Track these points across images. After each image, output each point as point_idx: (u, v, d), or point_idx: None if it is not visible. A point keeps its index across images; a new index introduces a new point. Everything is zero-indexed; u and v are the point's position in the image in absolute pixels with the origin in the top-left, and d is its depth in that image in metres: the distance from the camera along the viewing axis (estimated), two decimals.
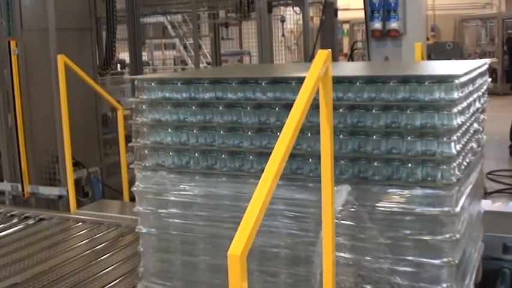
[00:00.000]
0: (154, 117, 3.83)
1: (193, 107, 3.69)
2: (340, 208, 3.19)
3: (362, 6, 7.70)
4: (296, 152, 3.35)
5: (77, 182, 7.43)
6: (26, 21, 7.64)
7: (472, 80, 3.63)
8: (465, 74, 3.32)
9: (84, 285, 4.69)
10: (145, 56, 16.71)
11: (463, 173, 3.29)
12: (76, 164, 7.42)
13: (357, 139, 3.26)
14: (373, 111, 3.21)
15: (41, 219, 6.57)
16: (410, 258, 3.17)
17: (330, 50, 2.96)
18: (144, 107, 3.87)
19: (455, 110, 3.09)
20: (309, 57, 9.03)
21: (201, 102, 3.66)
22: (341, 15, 12.04)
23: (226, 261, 3.52)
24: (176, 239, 3.81)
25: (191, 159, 3.72)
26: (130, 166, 3.98)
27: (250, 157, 3.54)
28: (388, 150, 3.20)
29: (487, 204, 4.91)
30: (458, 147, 3.17)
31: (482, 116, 4.21)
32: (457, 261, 3.16)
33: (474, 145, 3.79)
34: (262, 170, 3.26)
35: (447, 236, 3.10)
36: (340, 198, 3.18)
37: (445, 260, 3.12)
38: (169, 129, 3.78)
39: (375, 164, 3.22)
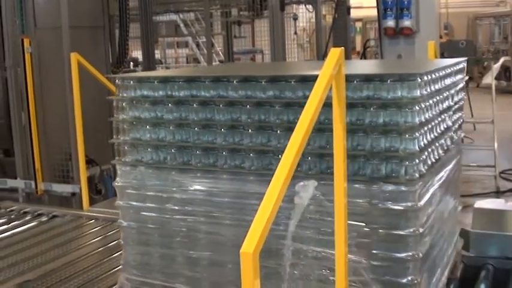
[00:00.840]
0: (134, 115, 3.95)
1: (170, 105, 3.81)
2: (307, 202, 3.26)
3: (375, 4, 7.69)
4: (267, 149, 3.49)
5: (90, 180, 7.47)
6: (39, 19, 7.68)
7: (442, 78, 3.70)
8: (429, 72, 3.39)
9: (96, 283, 4.71)
10: (158, 54, 16.78)
11: (428, 169, 3.37)
12: (89, 162, 7.46)
13: (324, 136, 3.34)
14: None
15: (54, 217, 6.60)
16: (375, 252, 3.25)
17: (342, 48, 2.97)
18: (124, 104, 3.99)
19: (417, 107, 3.17)
20: (321, 55, 9.03)
21: (176, 100, 3.79)
22: (354, 13, 12.01)
23: (201, 254, 3.68)
24: (155, 233, 3.94)
25: (168, 155, 3.84)
26: (111, 162, 4.13)
27: (224, 153, 3.65)
28: (353, 147, 3.27)
29: (500, 204, 4.91)
30: (422, 144, 3.25)
31: (458, 114, 4.29)
32: (421, 254, 3.23)
33: (445, 142, 3.85)
34: (235, 166, 3.52)
35: (411, 230, 3.19)
36: (307, 193, 3.25)
37: (410, 253, 3.20)
38: (147, 126, 3.91)
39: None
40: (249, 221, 3.38)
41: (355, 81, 3.27)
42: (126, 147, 4.00)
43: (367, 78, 3.26)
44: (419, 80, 3.20)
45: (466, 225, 4.91)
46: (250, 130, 3.56)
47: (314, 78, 3.26)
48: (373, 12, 8.23)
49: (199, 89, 3.71)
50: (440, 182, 3.68)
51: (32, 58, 7.57)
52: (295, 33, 15.98)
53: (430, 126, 3.44)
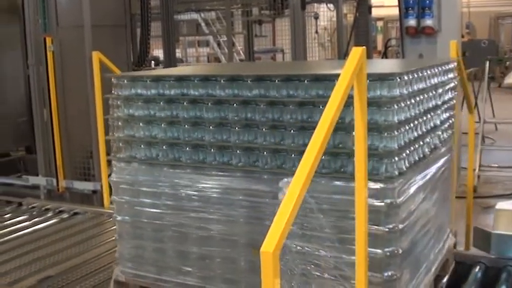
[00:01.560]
0: (128, 112, 4.09)
1: (161, 103, 3.93)
2: None
3: (396, 3, 7.66)
4: (253, 146, 3.60)
5: None
6: (61, 18, 7.74)
7: (427, 78, 3.76)
8: (409, 72, 3.44)
9: None
10: (179, 53, 16.83)
11: (410, 167, 3.44)
12: (110, 160, 7.48)
13: (308, 134, 3.39)
14: (320, 107, 3.35)
15: (75, 214, 6.68)
16: (355, 247, 3.24)
17: (364, 47, 2.99)
18: (119, 102, 4.13)
19: (396, 106, 3.23)
20: (342, 55, 9.00)
21: (168, 98, 3.91)
22: (375, 12, 11.98)
23: (191, 248, 3.82)
24: (148, 227, 4.06)
25: (160, 152, 3.97)
26: (107, 158, 4.32)
27: (212, 150, 3.77)
28: (335, 145, 3.37)
29: None
30: (401, 142, 3.31)
31: (449, 113, 4.34)
32: (401, 250, 3.30)
33: (432, 141, 3.90)
34: (223, 163, 3.65)
35: (390, 226, 3.25)
36: None
37: (389, 249, 3.27)
38: (140, 124, 4.04)
39: (323, 157, 3.32)
40: (236, 217, 3.65)
41: (335, 80, 3.23)
42: (120, 144, 4.14)
43: None
44: (399, 80, 3.26)
45: (487, 226, 4.90)
46: (237, 128, 3.66)
47: (298, 78, 3.49)
48: (395, 11, 8.20)
49: (189, 87, 3.83)
50: (425, 180, 3.71)
51: (54, 56, 7.60)
52: (316, 32, 15.95)
53: (412, 124, 3.49)
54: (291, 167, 3.47)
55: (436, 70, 3.97)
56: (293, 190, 2.56)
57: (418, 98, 3.58)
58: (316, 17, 14.97)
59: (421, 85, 3.65)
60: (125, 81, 4.10)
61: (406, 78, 3.37)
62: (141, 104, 4.03)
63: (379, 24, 25.39)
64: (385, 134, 3.24)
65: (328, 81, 3.39)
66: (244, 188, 3.65)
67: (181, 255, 3.95)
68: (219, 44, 18.46)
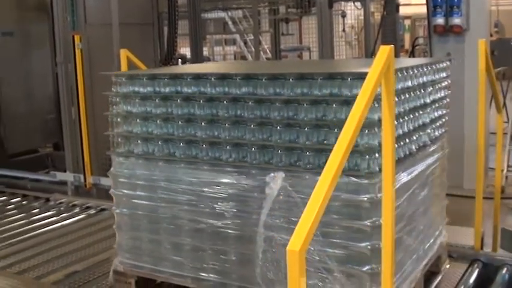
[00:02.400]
0: (126, 109, 4.25)
1: (157, 100, 4.08)
2: (276, 193, 3.50)
3: (424, 2, 7.60)
4: (242, 142, 3.72)
5: None
6: (89, 16, 7.83)
7: (413, 77, 3.83)
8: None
9: None
10: (206, 51, 16.84)
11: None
12: None
13: (294, 131, 3.56)
14: (304, 105, 3.50)
15: (102, 210, 6.75)
16: (338, 241, 3.42)
17: (392, 46, 2.99)
18: (118, 99, 4.30)
19: (376, 104, 3.29)
20: (370, 53, 8.96)
21: (163, 96, 4.05)
22: (402, 10, 11.87)
23: (185, 240, 3.98)
24: (144, 219, 4.21)
25: (156, 147, 4.11)
26: (107, 153, 4.42)
27: (204, 146, 3.89)
28: (319, 142, 3.48)
29: None
30: (381, 139, 3.31)
31: (440, 112, 4.42)
32: (381, 244, 3.31)
33: (420, 139, 3.98)
34: (214, 158, 3.80)
35: (371, 221, 3.34)
36: (276, 184, 3.50)
37: (370, 243, 3.36)
38: (138, 120, 4.20)
39: (307, 153, 3.50)
40: (226, 210, 3.79)
41: (318, 79, 3.47)
42: (119, 139, 4.30)
43: (331, 76, 3.45)
44: None
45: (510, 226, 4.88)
46: (227, 124, 3.79)
47: (283, 76, 3.60)
48: (423, 10, 8.13)
49: (182, 85, 3.97)
50: (412, 177, 3.78)
51: (82, 54, 7.67)
52: (344, 30, 15.91)
53: (395, 122, 3.47)
54: (278, 162, 3.60)
55: (425, 69, 4.02)
56: (320, 188, 2.56)
57: (403, 96, 3.66)
58: (344, 16, 14.93)
59: (406, 83, 3.72)
60: (123, 79, 4.26)
61: None
62: (138, 101, 4.17)
63: (407, 22, 25.18)
64: (366, 131, 3.32)
65: (312, 79, 3.50)
66: (234, 182, 3.76)
67: (175, 246, 4.09)
68: (245, 43, 18.48)
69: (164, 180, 4.06)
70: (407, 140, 3.73)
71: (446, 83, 4.51)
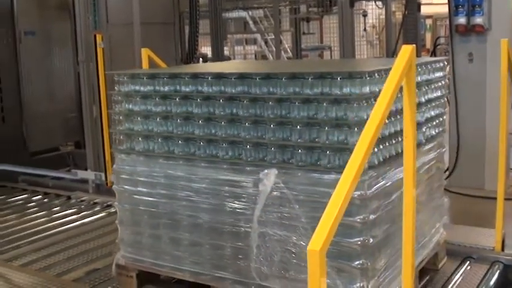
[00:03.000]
0: (128, 107, 4.36)
1: (157, 99, 4.19)
2: (270, 189, 3.62)
3: (446, 1, 7.55)
4: (236, 140, 3.82)
5: None
6: (111, 15, 7.87)
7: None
8: (379, 70, 3.59)
9: None
10: (227, 51, 16.87)
11: (385, 161, 3.60)
12: None
13: (287, 129, 3.65)
14: (296, 104, 3.59)
15: None
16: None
17: (414, 45, 3.00)
18: (120, 98, 4.41)
19: (365, 103, 3.40)
20: (391, 53, 8.93)
21: (162, 95, 4.16)
22: (424, 9, 11.80)
23: (183, 235, 4.10)
24: (145, 214, 4.33)
25: (155, 145, 4.22)
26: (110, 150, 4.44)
27: (201, 143, 4.00)
28: (311, 139, 3.56)
29: None
30: None
31: (436, 111, 4.44)
32: (372, 241, 3.46)
33: None
34: (211, 155, 3.90)
35: (361, 217, 3.42)
36: (269, 180, 3.61)
37: (360, 239, 3.43)
38: (139, 118, 4.31)
39: (299, 151, 3.59)
40: (222, 206, 3.89)
41: (309, 79, 3.55)
42: (121, 137, 4.41)
43: (321, 76, 3.52)
44: (368, 78, 3.43)
45: None
46: (223, 123, 3.89)
47: (276, 76, 3.69)
48: (444, 9, 8.10)
49: (180, 84, 4.08)
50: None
51: (104, 53, 7.70)
52: (365, 30, 15.87)
53: (386, 120, 3.54)
54: (271, 160, 3.69)
55: (419, 69, 4.08)
56: (341, 188, 2.57)
57: (395, 96, 3.66)
58: (365, 15, 14.89)
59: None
60: (125, 78, 4.37)
61: (377, 76, 3.53)
62: (139, 99, 4.29)
63: (428, 22, 25.01)
64: (355, 129, 3.40)
65: (303, 79, 3.58)
66: (230, 179, 3.87)
67: (174, 241, 4.20)
68: (266, 42, 18.49)
69: (163, 176, 4.17)
70: (399, 139, 3.77)
71: (443, 82, 4.54)
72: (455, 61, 7.35)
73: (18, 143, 9.23)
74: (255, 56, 21.01)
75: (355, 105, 3.40)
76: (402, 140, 3.70)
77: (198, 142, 4.01)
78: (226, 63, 7.20)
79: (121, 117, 4.42)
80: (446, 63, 4.59)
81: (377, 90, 3.51)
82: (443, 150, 4.65)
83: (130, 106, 4.35)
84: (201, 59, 12.99)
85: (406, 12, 8.99)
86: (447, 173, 7.79)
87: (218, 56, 10.08)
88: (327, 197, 3.30)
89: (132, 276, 4.43)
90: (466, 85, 7.32)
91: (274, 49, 12.93)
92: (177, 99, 4.08)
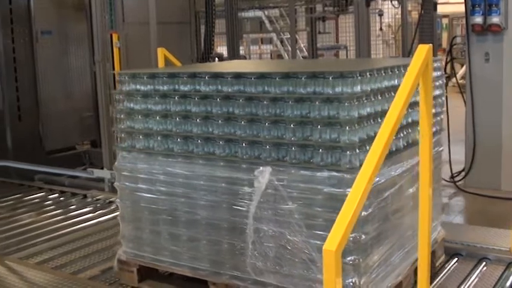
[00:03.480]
0: (129, 106, 4.47)
1: (156, 98, 4.29)
2: (264, 186, 3.70)
3: (462, 0, 7.52)
4: (233, 138, 3.90)
5: None
6: (127, 15, 7.91)
7: (398, 76, 3.97)
8: (372, 70, 3.67)
9: None
10: (242, 50, 16.88)
11: None
12: None
13: (281, 127, 3.72)
14: (290, 103, 3.67)
15: None
16: (320, 232, 3.56)
17: (430, 45, 3.00)
18: (121, 97, 4.52)
19: (356, 102, 3.47)
20: (407, 52, 8.89)
21: (161, 93, 4.26)
22: (440, 9, 11.76)
23: (182, 231, 4.21)
24: (145, 211, 4.43)
25: (155, 142, 4.32)
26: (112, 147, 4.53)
27: (199, 141, 4.09)
28: (304, 138, 3.64)
29: None
30: (364, 135, 3.54)
31: (433, 110, 4.32)
32: (364, 237, 3.52)
33: (409, 136, 4.11)
34: (209, 153, 4.00)
35: None
36: (264, 178, 3.70)
37: (351, 235, 3.42)
38: (139, 116, 4.41)
39: (293, 149, 3.67)
40: (219, 202, 4.00)
41: (302, 78, 3.63)
42: (123, 135, 4.53)
43: (314, 75, 3.59)
44: (359, 77, 3.50)
45: None
46: (220, 121, 3.98)
47: (270, 76, 3.76)
48: (460, 8, 8.05)
49: (179, 83, 4.17)
50: (398, 173, 3.89)
51: (120, 52, 7.73)
52: (381, 29, 15.79)
53: (379, 119, 3.68)
54: (266, 157, 3.77)
55: None
56: (356, 190, 2.57)
57: (387, 95, 3.80)
58: (381, 14, 14.81)
59: (391, 82, 3.87)
60: (126, 77, 4.48)
61: (368, 75, 3.61)
62: (140, 98, 4.39)
63: (445, 21, 24.91)
64: (347, 127, 3.47)
65: (296, 78, 3.65)
66: (226, 176, 3.96)
67: (173, 237, 4.29)
68: (282, 41, 18.47)
69: (163, 173, 4.27)
70: (393, 137, 3.78)
71: (440, 82, 4.61)
72: (471, 61, 7.32)
73: (34, 141, 9.31)
74: (271, 55, 21.00)
75: (346, 104, 3.47)
76: (394, 138, 3.83)
77: (196, 140, 4.10)
78: (233, 62, 7.22)
79: (122, 116, 4.53)
80: (443, 63, 4.62)
81: (369, 89, 3.60)
82: (441, 149, 4.68)
83: (131, 105, 4.45)
84: (216, 58, 13.01)
85: (422, 12, 8.95)
86: (463, 173, 7.76)
87: (234, 55, 10.09)
88: (320, 194, 3.54)
89: (133, 271, 4.55)
90: (482, 85, 7.29)
91: (289, 48, 12.88)
92: (176, 98, 4.18)
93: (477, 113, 7.37)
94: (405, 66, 3.95)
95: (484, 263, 4.72)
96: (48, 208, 7.10)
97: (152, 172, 4.33)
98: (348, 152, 3.48)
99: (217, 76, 4.00)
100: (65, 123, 9.64)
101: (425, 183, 3.12)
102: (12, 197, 7.66)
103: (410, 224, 4.15)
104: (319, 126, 3.57)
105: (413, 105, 4.07)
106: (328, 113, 3.55)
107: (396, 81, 3.93)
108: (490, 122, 7.34)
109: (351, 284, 3.52)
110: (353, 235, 3.47)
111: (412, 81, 2.87)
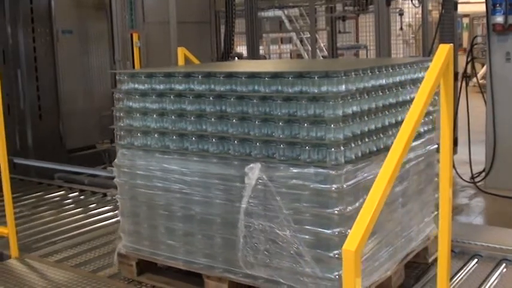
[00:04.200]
0: (127, 104, 4.61)
1: (153, 96, 4.42)
2: (254, 182, 3.81)
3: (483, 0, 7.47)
4: (224, 135, 4.03)
5: None
6: (148, 15, 7.97)
7: (386, 76, 4.06)
8: (356, 70, 3.74)
9: None
10: (262, 50, 16.89)
11: (362, 156, 3.77)
12: None
13: (271, 125, 3.83)
14: (278, 101, 3.78)
15: None
16: (308, 227, 3.70)
17: (451, 44, 3.00)
18: (120, 95, 4.66)
19: (341, 101, 3.57)
20: (427, 52, 8.85)
21: (158, 92, 4.39)
22: (461, 8, 11.68)
23: (177, 226, 4.34)
24: (143, 206, 4.57)
25: (152, 140, 4.45)
26: (112, 144, 4.61)
27: (193, 139, 4.21)
28: (292, 135, 3.74)
29: None
30: (349, 133, 3.64)
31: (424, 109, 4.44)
32: (349, 231, 3.50)
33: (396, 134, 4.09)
34: (202, 150, 4.13)
35: (337, 209, 3.59)
36: (254, 174, 3.81)
37: (337, 230, 3.61)
38: (137, 115, 4.54)
39: (281, 146, 3.78)
40: (212, 198, 4.12)
41: (289, 78, 3.74)
42: (122, 133, 4.66)
43: (301, 75, 3.71)
44: (344, 77, 3.60)
45: None
46: (213, 119, 4.10)
47: (259, 75, 3.88)
48: (481, 8, 8.02)
49: (174, 82, 4.30)
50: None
51: (140, 52, 7.77)
52: (401, 29, 15.75)
53: (364, 118, 3.80)
54: (256, 154, 3.89)
55: (403, 68, 4.25)
56: (375, 191, 2.56)
57: (374, 94, 3.89)
58: (401, 14, 14.77)
59: (378, 81, 3.96)
60: (125, 76, 4.63)
61: (353, 75, 3.69)
62: (138, 97, 4.53)
63: (465, 21, 24.75)
64: (332, 125, 3.57)
65: (283, 78, 3.77)
66: (219, 172, 4.08)
67: (169, 232, 4.43)
68: (301, 41, 18.46)
69: (159, 170, 4.40)
70: (381, 135, 3.97)
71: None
72: (492, 61, 7.28)
73: (55, 140, 9.38)
74: (290, 55, 21.00)
75: (331, 102, 3.57)
76: (383, 136, 3.98)
77: (190, 138, 4.23)
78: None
79: (122, 114, 4.66)
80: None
81: (354, 88, 3.69)
82: (433, 147, 4.71)
83: (130, 103, 4.59)
84: (236, 58, 13.03)
85: (443, 11, 8.91)
86: (483, 174, 7.71)
87: (253, 55, 10.10)
88: (307, 189, 3.66)
89: (132, 265, 4.69)
90: (503, 85, 7.25)
91: (309, 48, 12.88)
92: (172, 97, 4.30)
93: (497, 113, 7.33)
94: (393, 66, 4.13)
95: (504, 264, 4.69)
96: (68, 206, 7.14)
97: (150, 168, 4.46)
98: (333, 149, 3.58)
99: (210, 75, 4.12)
100: (85, 122, 9.71)
101: (446, 185, 3.10)
102: (33, 195, 7.72)
103: (399, 220, 4.23)
104: (306, 124, 3.67)
105: (400, 104, 4.19)
106: (314, 112, 3.65)
107: (384, 80, 4.02)
108: (511, 122, 7.29)
109: (337, 277, 3.63)
110: (338, 229, 3.59)
111: (433, 81, 2.87)
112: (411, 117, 2.80)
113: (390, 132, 4.07)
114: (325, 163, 3.60)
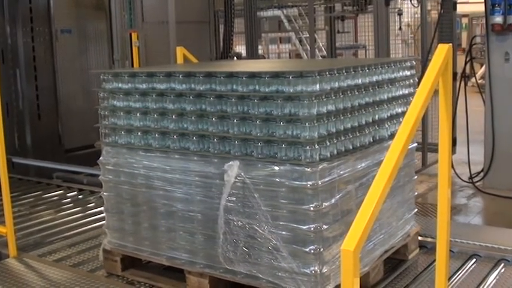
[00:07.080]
0: (112, 103, 4.72)
1: (136, 96, 4.52)
2: (233, 179, 3.91)
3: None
4: (204, 134, 4.12)
5: None
6: (147, 14, 7.96)
7: (362, 75, 4.15)
8: (331, 69, 3.83)
9: None
10: (261, 50, 16.88)
11: (338, 154, 3.85)
12: None
13: (249, 124, 3.92)
14: (255, 101, 3.87)
15: None
16: (284, 223, 3.80)
17: (450, 44, 3.00)
18: (105, 94, 4.78)
19: (316, 100, 3.66)
20: (426, 52, 8.85)
21: (141, 92, 4.49)
22: (460, 8, 11.67)
23: (160, 223, 4.45)
24: (127, 203, 4.68)
25: (136, 138, 4.55)
26: (96, 143, 4.82)
27: (174, 136, 4.31)
28: (269, 134, 3.84)
29: None
30: (323, 132, 3.72)
31: (400, 109, 4.59)
32: (325, 227, 3.73)
33: (375, 133, 4.28)
34: (183, 148, 4.23)
35: (313, 205, 3.69)
36: (233, 172, 3.91)
37: (312, 226, 3.70)
38: (121, 113, 4.64)
39: (259, 144, 3.87)
40: (193, 195, 4.22)
41: (265, 78, 3.84)
42: (107, 131, 4.77)
43: (276, 75, 3.81)
44: (318, 76, 3.69)
45: None
46: (193, 118, 4.19)
47: (237, 75, 3.98)
48: (480, 8, 8.02)
49: (156, 82, 4.40)
50: (363, 167, 4.11)
51: (139, 51, 7.77)
52: (400, 28, 15.71)
53: (340, 117, 3.88)
54: (235, 152, 3.99)
55: (380, 68, 4.33)
56: (374, 191, 2.56)
57: (349, 93, 3.97)
58: (400, 14, 14.74)
59: (354, 81, 4.05)
60: (109, 76, 4.74)
61: (328, 75, 3.78)
62: (122, 96, 4.63)
63: (464, 21, 24.75)
64: (306, 124, 3.66)
65: (260, 77, 3.86)
66: (199, 170, 4.18)
67: (152, 228, 4.53)
68: (300, 41, 18.45)
69: (142, 167, 4.50)
70: (357, 133, 4.05)
71: (411, 81, 4.74)
72: (491, 60, 7.29)
73: (53, 140, 9.38)
74: (289, 54, 20.98)
75: (305, 102, 3.65)
76: (360, 135, 4.07)
77: (172, 136, 4.32)
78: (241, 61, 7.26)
79: (107, 113, 4.77)
80: (414, 62, 4.80)
81: (328, 88, 3.78)
82: (413, 146, 4.81)
83: (115, 102, 4.69)
84: (235, 57, 13.03)
85: (442, 11, 8.92)
86: (482, 174, 7.72)
87: (252, 54, 10.10)
88: (283, 186, 3.75)
89: (116, 261, 4.78)
90: (502, 85, 7.26)
91: (308, 48, 12.87)
92: (154, 96, 4.40)
93: (496, 113, 7.34)
94: (370, 66, 4.22)
95: (502, 264, 4.69)
96: (66, 206, 7.13)
97: (133, 166, 4.56)
98: (308, 147, 3.66)
99: (190, 75, 4.21)
100: (83, 121, 9.67)
101: (445, 184, 3.11)
102: (32, 194, 7.72)
103: (378, 217, 4.17)
104: (282, 123, 3.77)
105: (378, 103, 4.28)
106: (289, 111, 3.74)
107: (360, 80, 4.11)
108: (510, 122, 7.30)
109: (313, 272, 3.72)
110: (314, 225, 3.68)
111: (432, 80, 2.87)
112: (411, 117, 2.80)
113: (367, 131, 4.17)
114: (300, 161, 3.70)
